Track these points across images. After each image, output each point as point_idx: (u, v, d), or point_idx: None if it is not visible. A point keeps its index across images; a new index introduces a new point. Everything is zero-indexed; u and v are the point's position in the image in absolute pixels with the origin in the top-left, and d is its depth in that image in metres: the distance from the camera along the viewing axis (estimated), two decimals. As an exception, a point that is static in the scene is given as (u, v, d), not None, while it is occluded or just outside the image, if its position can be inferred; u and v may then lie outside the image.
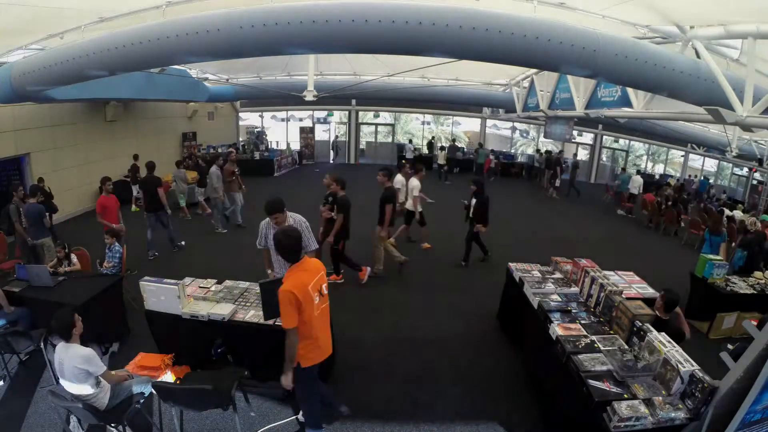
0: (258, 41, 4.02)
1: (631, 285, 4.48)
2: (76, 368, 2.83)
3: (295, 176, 15.61)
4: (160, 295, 3.71)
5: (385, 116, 20.17)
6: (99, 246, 5.48)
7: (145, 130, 12.09)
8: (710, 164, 17.20)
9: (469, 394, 3.95)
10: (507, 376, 4.23)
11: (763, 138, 10.58)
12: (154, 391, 3.07)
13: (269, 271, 3.99)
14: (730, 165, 16.04)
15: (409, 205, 7.51)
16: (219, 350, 3.72)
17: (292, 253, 2.78)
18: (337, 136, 19.91)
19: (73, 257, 5.06)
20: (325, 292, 2.95)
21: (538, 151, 18.03)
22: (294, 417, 3.52)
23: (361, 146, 19.66)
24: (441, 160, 15.54)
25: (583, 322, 3.69)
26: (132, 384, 3.18)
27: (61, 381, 2.94)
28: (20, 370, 4.04)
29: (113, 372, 3.13)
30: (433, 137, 19.52)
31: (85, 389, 2.91)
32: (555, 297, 4.12)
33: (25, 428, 3.38)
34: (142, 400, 3.14)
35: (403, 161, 11.59)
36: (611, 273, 4.54)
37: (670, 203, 10.99)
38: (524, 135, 20.84)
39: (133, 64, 4.82)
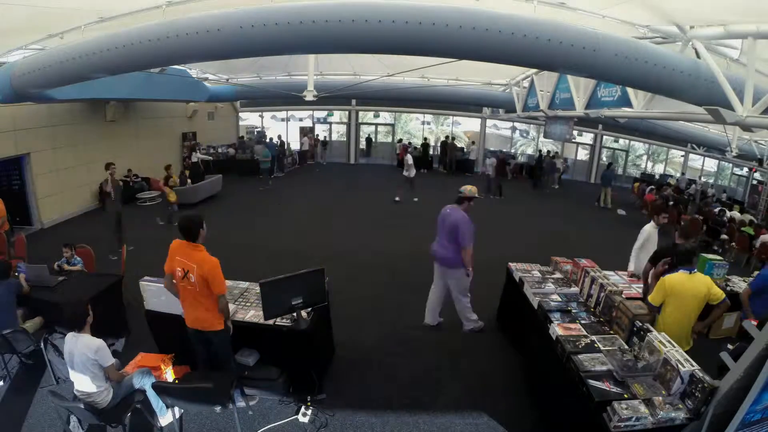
0: (258, 41, 4.02)
1: (631, 285, 4.48)
2: (87, 359, 2.87)
3: (296, 176, 15.59)
4: (160, 295, 3.70)
5: (385, 116, 20.16)
6: (99, 246, 5.48)
7: (145, 130, 12.10)
8: (710, 164, 17.19)
9: (469, 393, 3.95)
10: (507, 376, 4.23)
11: (763, 138, 10.57)
12: (154, 392, 3.07)
13: None
14: (730, 165, 16.04)
15: None
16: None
17: (186, 232, 3.18)
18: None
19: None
20: (192, 279, 3.14)
21: (539, 151, 18.00)
22: (294, 417, 3.53)
23: (361, 146, 19.66)
24: None
25: (583, 322, 3.68)
26: (132, 379, 3.18)
27: (71, 373, 2.94)
28: (20, 370, 4.04)
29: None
30: (425, 138, 18.56)
31: (95, 383, 2.92)
32: (555, 297, 4.12)
33: (25, 428, 3.38)
34: (142, 399, 3.14)
35: None
36: (611, 273, 4.54)
37: (670, 203, 11.03)
38: (524, 135, 20.84)
39: (133, 64, 4.83)
